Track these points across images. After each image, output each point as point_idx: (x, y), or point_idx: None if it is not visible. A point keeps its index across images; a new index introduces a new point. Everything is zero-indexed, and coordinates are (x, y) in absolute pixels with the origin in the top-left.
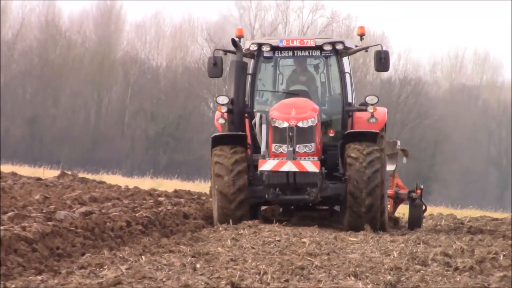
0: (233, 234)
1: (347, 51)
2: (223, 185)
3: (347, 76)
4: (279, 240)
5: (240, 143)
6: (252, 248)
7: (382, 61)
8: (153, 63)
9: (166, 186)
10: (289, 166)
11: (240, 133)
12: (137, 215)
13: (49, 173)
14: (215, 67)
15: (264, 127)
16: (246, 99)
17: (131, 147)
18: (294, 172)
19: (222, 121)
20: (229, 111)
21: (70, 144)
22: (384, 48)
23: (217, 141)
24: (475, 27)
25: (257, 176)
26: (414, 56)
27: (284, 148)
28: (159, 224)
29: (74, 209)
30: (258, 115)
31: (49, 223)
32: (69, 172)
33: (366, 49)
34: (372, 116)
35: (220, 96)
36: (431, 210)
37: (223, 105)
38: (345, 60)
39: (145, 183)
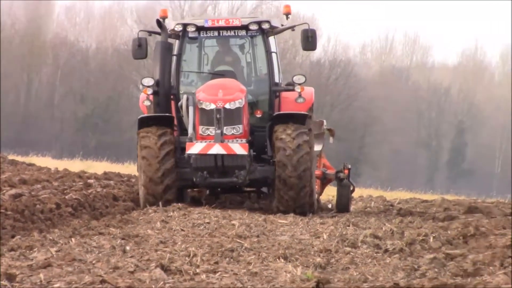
0: (162, 217)
1: (273, 31)
2: (150, 170)
3: (274, 55)
4: (208, 223)
5: (166, 125)
6: (182, 230)
7: (309, 39)
8: (83, 45)
9: (95, 168)
10: (217, 149)
11: (167, 114)
12: (66, 197)
13: None
14: (140, 48)
15: (191, 109)
16: (171, 80)
17: (60, 129)
18: (222, 155)
19: (147, 103)
20: (155, 93)
21: None
22: (311, 28)
23: (144, 123)
24: (404, 9)
25: (184, 159)
26: (344, 38)
27: (211, 131)
28: (88, 206)
29: (4, 191)
30: (184, 97)
31: None
32: None
33: (292, 27)
34: (300, 96)
35: (145, 78)
36: (361, 192)
37: (148, 87)
38: (271, 39)
39: (75, 165)
